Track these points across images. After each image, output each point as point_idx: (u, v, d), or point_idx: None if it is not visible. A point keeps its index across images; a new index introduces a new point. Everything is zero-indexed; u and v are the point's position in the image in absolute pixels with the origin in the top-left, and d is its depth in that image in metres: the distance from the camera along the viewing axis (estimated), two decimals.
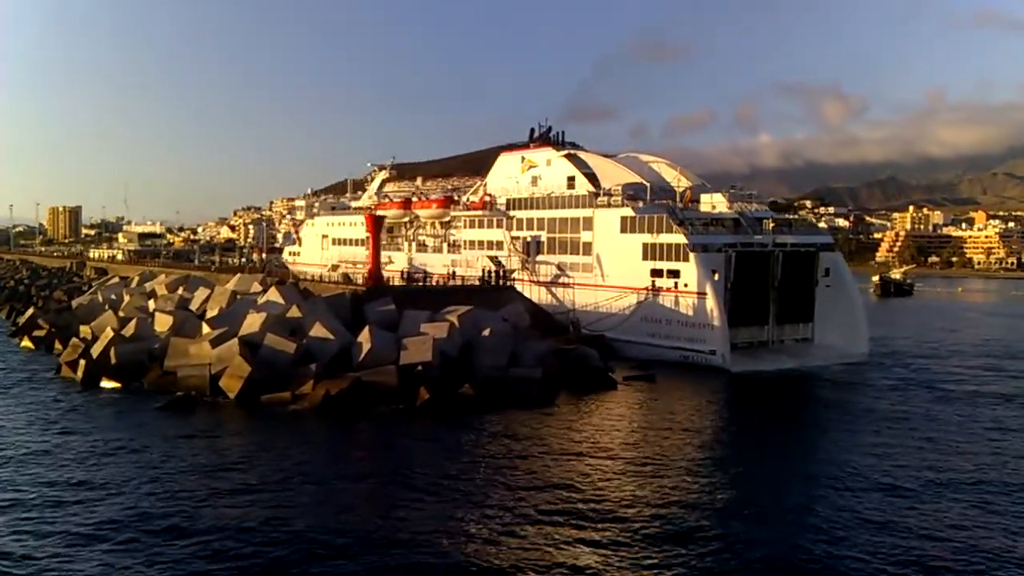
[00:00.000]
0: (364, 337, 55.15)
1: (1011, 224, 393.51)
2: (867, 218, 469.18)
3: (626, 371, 63.89)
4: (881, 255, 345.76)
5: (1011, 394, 59.12)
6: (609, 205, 76.31)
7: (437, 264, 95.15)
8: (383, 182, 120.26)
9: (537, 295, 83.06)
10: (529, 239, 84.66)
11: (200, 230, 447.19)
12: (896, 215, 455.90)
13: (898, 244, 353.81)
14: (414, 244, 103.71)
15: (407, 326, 58.58)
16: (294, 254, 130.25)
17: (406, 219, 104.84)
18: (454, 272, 79.75)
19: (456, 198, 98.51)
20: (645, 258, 71.87)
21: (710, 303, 66.68)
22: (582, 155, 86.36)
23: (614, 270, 75.29)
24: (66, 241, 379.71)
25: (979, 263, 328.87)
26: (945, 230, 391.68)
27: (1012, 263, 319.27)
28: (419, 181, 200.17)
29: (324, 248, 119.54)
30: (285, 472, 37.55)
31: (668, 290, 69.98)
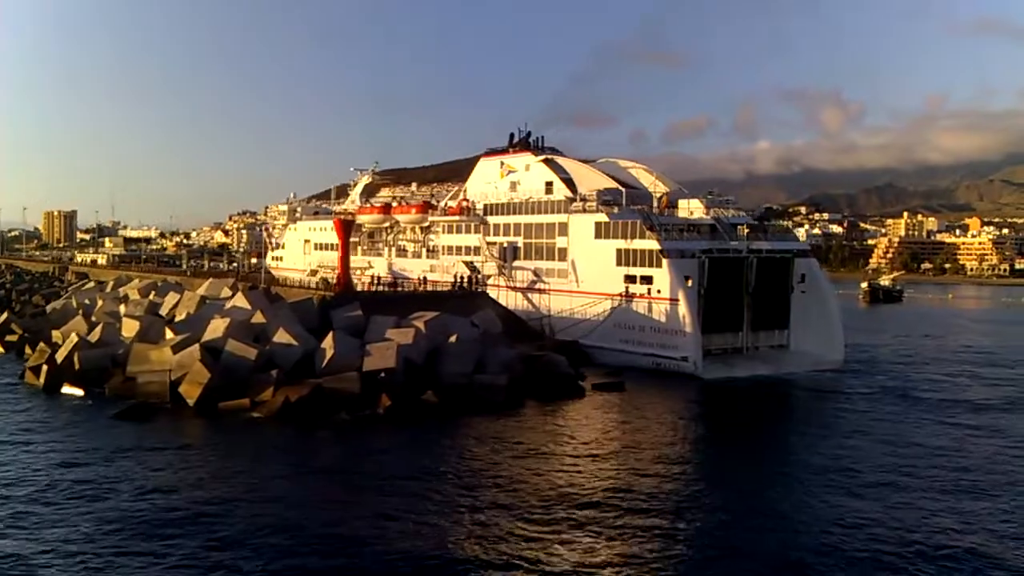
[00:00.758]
0: (327, 343, 54.61)
1: (1005, 231, 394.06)
2: (861, 224, 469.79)
3: (597, 378, 63.42)
4: (874, 261, 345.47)
5: (981, 402, 58.60)
6: (584, 211, 75.82)
7: (416, 269, 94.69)
8: (366, 187, 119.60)
9: (514, 301, 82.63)
10: (505, 245, 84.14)
11: (195, 235, 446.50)
12: (890, 221, 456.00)
13: (891, 250, 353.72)
14: (394, 249, 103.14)
15: (374, 332, 58.07)
16: (277, 259, 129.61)
17: (386, 224, 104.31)
18: (425, 278, 79.28)
19: (435, 203, 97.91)
20: (619, 264, 71.38)
21: (682, 309, 66.17)
22: (559, 160, 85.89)
23: (588, 276, 74.79)
24: (60, 245, 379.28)
25: (972, 270, 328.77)
26: (939, 236, 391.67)
27: (1005, 270, 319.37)
28: (414, 186, 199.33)
29: (306, 253, 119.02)
30: (227, 480, 37.01)
31: (641, 296, 69.47)
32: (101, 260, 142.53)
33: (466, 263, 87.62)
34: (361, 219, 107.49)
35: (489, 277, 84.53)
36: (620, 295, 71.16)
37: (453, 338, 58.40)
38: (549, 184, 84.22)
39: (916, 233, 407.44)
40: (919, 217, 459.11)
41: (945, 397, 60.20)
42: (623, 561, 28.47)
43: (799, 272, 73.16)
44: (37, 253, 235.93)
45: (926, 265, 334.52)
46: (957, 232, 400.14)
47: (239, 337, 55.39)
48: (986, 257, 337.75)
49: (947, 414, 54.08)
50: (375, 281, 74.65)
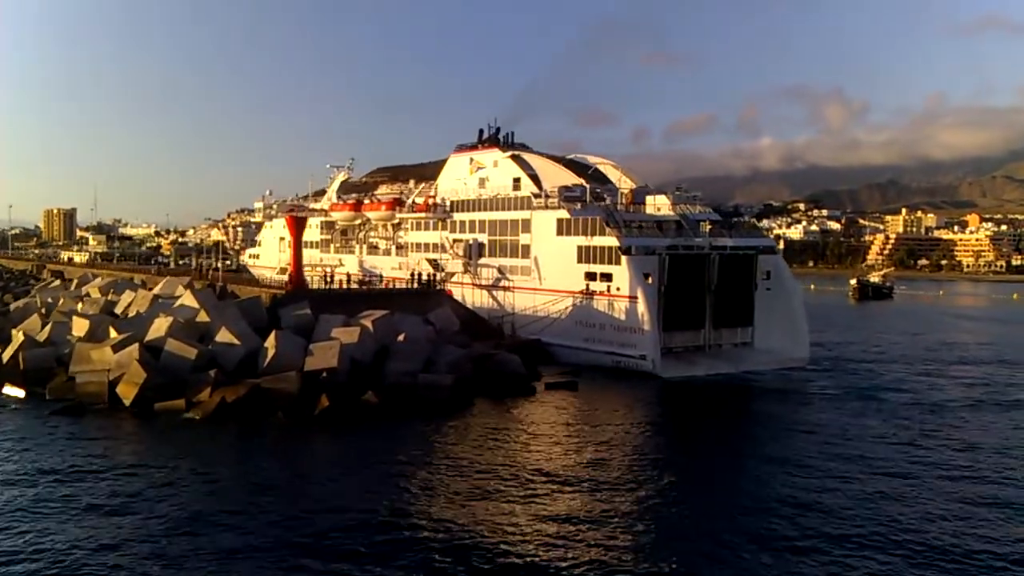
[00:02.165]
0: (270, 342, 53.60)
1: (1004, 227, 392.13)
2: (860, 221, 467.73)
3: (553, 377, 62.50)
4: (871, 258, 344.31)
5: (942, 402, 57.34)
6: (546, 207, 74.80)
7: (386, 266, 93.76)
8: (343, 183, 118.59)
9: (480, 299, 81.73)
10: (471, 242, 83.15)
11: (191, 232, 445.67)
12: (888, 218, 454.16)
13: (888, 247, 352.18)
14: (365, 247, 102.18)
15: (322, 331, 57.11)
16: (254, 256, 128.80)
17: (358, 221, 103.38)
18: (381, 275, 78.35)
19: (404, 200, 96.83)
20: (580, 261, 70.39)
21: (641, 307, 65.13)
22: (526, 156, 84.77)
23: (551, 273, 73.81)
24: (60, 243, 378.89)
25: (968, 266, 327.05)
26: (936, 233, 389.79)
27: (1001, 266, 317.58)
28: (412, 183, 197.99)
29: (281, 251, 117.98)
30: (120, 479, 36.41)
31: (601, 294, 68.46)
32: (78, 259, 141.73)
33: (429, 260, 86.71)
34: (334, 216, 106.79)
35: (453, 275, 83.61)
36: (581, 292, 70.19)
37: (401, 337, 57.53)
38: (517, 180, 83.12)
39: (914, 230, 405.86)
40: (918, 214, 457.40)
41: (905, 398, 58.92)
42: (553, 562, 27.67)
43: (764, 269, 72.03)
44: (37, 251, 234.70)
45: (923, 262, 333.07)
46: (955, 228, 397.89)
47: (181, 336, 54.48)
48: (983, 253, 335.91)
49: (902, 415, 52.83)
50: (324, 279, 73.49)
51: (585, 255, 69.90)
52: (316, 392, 50.42)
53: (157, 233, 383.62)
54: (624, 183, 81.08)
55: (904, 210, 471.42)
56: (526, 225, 76.94)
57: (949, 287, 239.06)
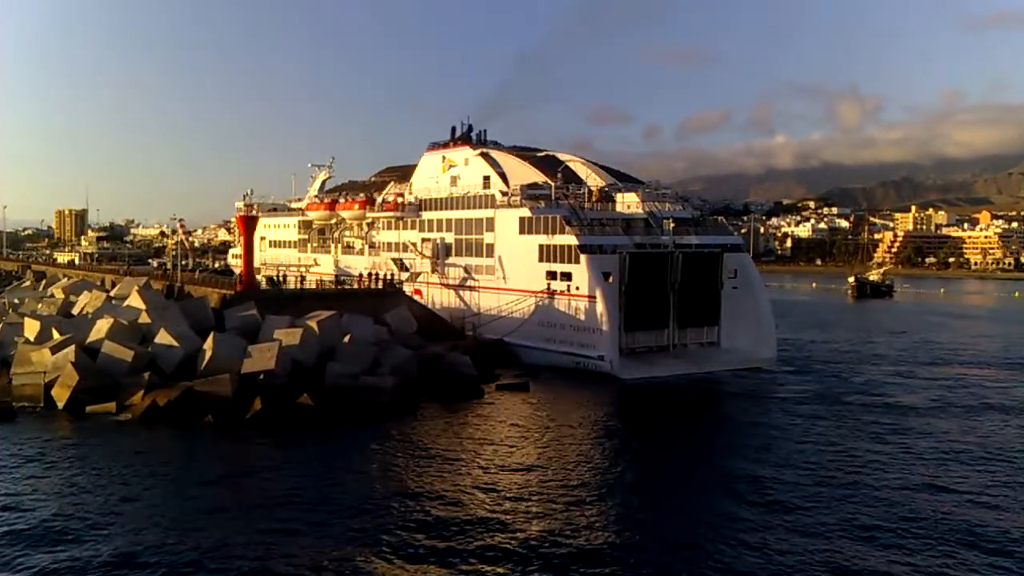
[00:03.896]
0: (208, 344, 52.72)
1: (1015, 224, 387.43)
2: (871, 218, 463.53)
3: (508, 379, 61.39)
4: (879, 256, 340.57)
5: (906, 405, 55.37)
6: (509, 205, 73.61)
7: (359, 266, 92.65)
8: (323, 183, 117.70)
9: (448, 299, 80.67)
10: (438, 241, 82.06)
11: (200, 232, 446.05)
12: (898, 215, 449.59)
13: (896, 245, 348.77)
14: (340, 246, 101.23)
15: (267, 332, 56.20)
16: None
17: (333, 220, 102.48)
18: (360, 275, 77.26)
19: (375, 198, 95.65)
20: (541, 260, 69.20)
21: (600, 307, 63.88)
22: (494, 154, 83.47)
23: (514, 273, 72.63)
24: (72, 243, 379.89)
25: (976, 264, 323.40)
26: (945, 230, 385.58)
27: (1010, 264, 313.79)
28: None
29: (262, 250, 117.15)
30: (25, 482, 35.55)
31: (562, 293, 67.26)
32: (63, 259, 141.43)
33: (394, 260, 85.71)
34: (310, 215, 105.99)
35: (419, 275, 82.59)
36: (543, 292, 68.99)
37: (347, 338, 56.51)
38: (487, 178, 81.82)
39: (924, 227, 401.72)
40: (929, 211, 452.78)
41: (869, 400, 57.06)
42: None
43: (731, 268, 70.64)
44: (48, 252, 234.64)
45: (930, 259, 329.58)
46: (964, 226, 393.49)
47: (120, 338, 53.76)
48: (991, 251, 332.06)
49: (862, 418, 51.09)
50: (270, 281, 72.73)
51: (546, 254, 68.74)
52: (252, 395, 49.46)
53: (162, 234, 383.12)
54: (593, 180, 79.70)
55: (914, 207, 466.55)
56: (490, 224, 75.82)
57: (954, 285, 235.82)
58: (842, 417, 51.43)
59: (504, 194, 75.88)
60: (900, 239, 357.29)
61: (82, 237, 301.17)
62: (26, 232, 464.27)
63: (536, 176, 77.66)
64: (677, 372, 64.86)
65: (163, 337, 53.63)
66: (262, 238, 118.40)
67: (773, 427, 49.05)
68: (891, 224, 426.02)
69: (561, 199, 72.16)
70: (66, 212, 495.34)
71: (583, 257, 65.14)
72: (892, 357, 77.76)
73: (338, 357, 54.74)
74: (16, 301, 78.09)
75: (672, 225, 69.98)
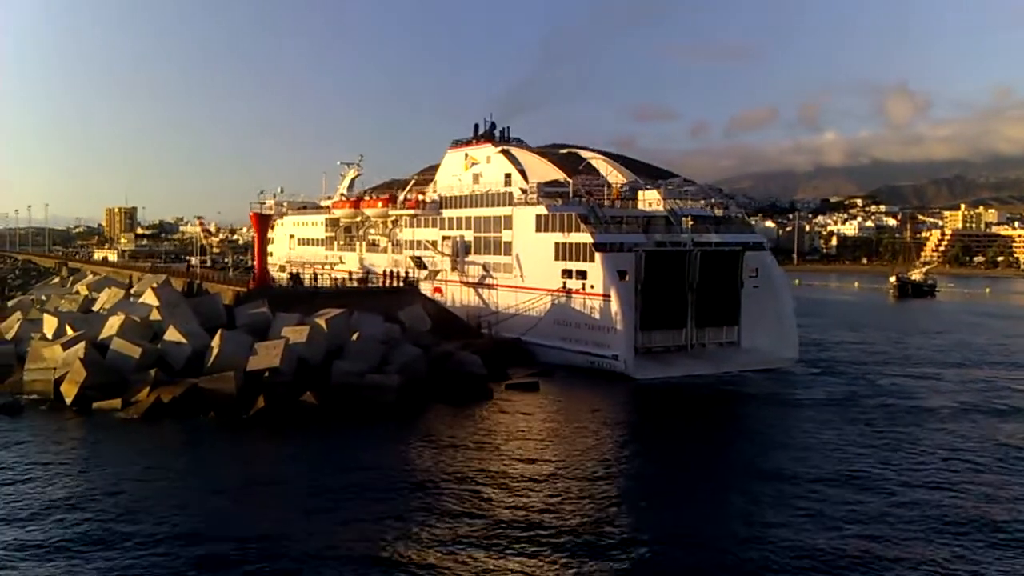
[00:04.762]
0: (215, 341, 52.82)
1: None
2: (920, 216, 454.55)
3: (520, 378, 60.70)
4: (926, 254, 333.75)
5: (926, 409, 53.37)
6: (526, 203, 72.94)
7: (383, 264, 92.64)
8: (352, 180, 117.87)
9: (467, 297, 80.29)
10: (458, 239, 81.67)
11: (245, 230, 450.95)
12: (948, 213, 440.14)
13: (943, 243, 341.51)
14: (364, 244, 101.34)
15: (276, 330, 56.17)
16: (268, 254, 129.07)
17: (358, 218, 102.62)
18: (385, 272, 77.12)
19: (397, 196, 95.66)
20: (557, 258, 68.43)
21: (614, 305, 62.94)
22: (515, 151, 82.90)
23: (531, 271, 71.96)
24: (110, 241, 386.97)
25: None
26: (995, 228, 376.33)
27: None
28: None
29: (291, 248, 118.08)
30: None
31: (577, 292, 66.45)
32: (101, 256, 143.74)
33: (413, 258, 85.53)
34: (336, 213, 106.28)
35: (437, 273, 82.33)
36: (559, 291, 68.24)
37: (355, 336, 56.27)
38: (508, 176, 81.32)
39: (974, 225, 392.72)
40: (979, 209, 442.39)
41: (888, 402, 55.28)
42: None
43: (751, 266, 69.27)
44: (87, 249, 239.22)
45: (978, 258, 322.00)
46: (1016, 224, 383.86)
47: (130, 335, 54.05)
48: None
49: (878, 422, 49.36)
50: (291, 277, 72.79)
51: (562, 252, 67.97)
52: (256, 392, 49.43)
53: (207, 232, 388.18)
54: (615, 178, 78.73)
55: (963, 205, 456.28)
56: (508, 222, 75.22)
57: (1001, 284, 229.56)
58: (861, 420, 49.81)
59: (523, 191, 75.25)
60: (948, 237, 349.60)
61: (122, 235, 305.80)
62: (78, 229, 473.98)
63: (556, 173, 77.02)
64: (694, 372, 63.65)
65: (172, 334, 53.86)
66: (291, 236, 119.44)
67: (781, 427, 48.04)
68: (940, 222, 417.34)
69: (579, 197, 71.17)
70: (115, 210, 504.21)
71: (598, 255, 64.26)
72: (923, 358, 75.59)
73: (346, 355, 54.51)
74: (44, 298, 79.33)
75: (691, 223, 68.73)
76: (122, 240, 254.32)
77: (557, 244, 68.29)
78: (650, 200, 74.87)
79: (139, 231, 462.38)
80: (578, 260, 66.27)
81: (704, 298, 67.66)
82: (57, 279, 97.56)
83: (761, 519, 32.02)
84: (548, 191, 72.38)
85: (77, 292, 77.80)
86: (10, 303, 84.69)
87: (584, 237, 65.52)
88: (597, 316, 64.43)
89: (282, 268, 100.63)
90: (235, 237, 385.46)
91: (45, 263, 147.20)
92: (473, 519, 31.81)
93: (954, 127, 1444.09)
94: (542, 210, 70.36)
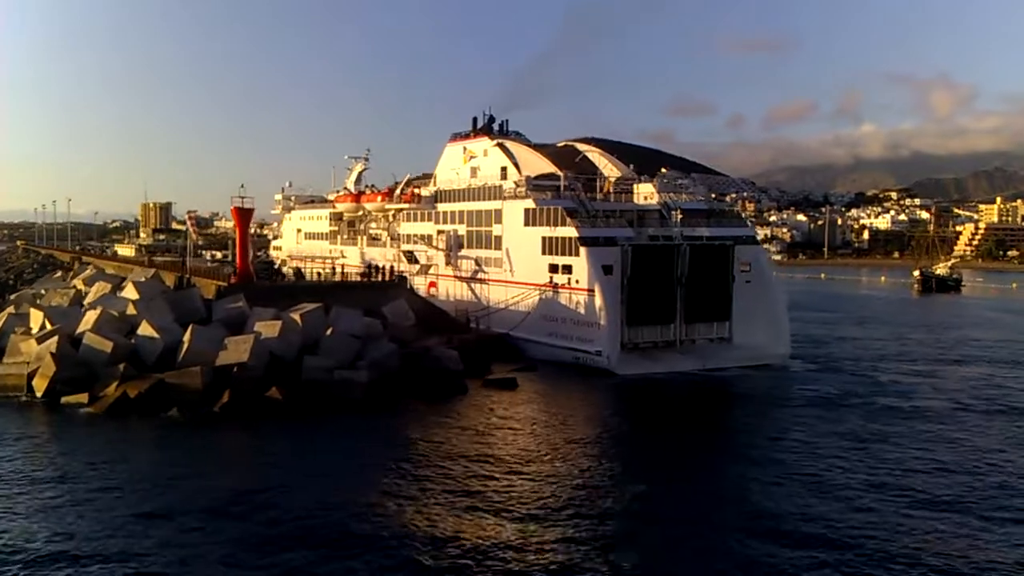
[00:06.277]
0: (186, 336, 52.63)
1: None
2: (955, 210, 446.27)
3: (501, 374, 59.91)
4: (959, 248, 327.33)
5: (916, 409, 51.44)
6: (515, 196, 72.07)
7: (383, 258, 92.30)
8: (359, 174, 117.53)
9: (460, 291, 79.64)
10: (452, 233, 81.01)
11: (275, 224, 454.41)
12: (983, 207, 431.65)
13: (977, 237, 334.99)
14: (366, 238, 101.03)
15: (252, 325, 55.87)
16: (277, 248, 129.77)
17: (359, 213, 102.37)
18: (340, 267, 76.92)
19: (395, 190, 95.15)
20: (544, 252, 67.55)
21: (598, 300, 61.96)
22: (509, 145, 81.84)
23: (519, 265, 71.13)
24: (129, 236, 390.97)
25: None
26: None
27: None
28: None
29: (298, 242, 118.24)
30: None
31: (563, 286, 65.55)
32: (122, 251, 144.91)
33: (404, 252, 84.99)
34: (339, 207, 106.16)
35: (430, 267, 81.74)
36: (546, 285, 67.37)
37: (329, 331, 55.80)
38: (504, 169, 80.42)
39: (1009, 219, 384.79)
40: (1016, 202, 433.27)
41: (878, 401, 53.43)
42: None
43: (743, 260, 67.86)
44: (103, 244, 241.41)
45: (1012, 253, 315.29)
46: None
47: (108, 329, 54.06)
48: None
49: (861, 421, 47.73)
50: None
51: (548, 246, 67.09)
52: (224, 387, 49.15)
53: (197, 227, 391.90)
54: (610, 171, 77.61)
55: (999, 199, 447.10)
56: (498, 215, 74.42)
57: None
58: (848, 419, 48.28)
59: (517, 184, 74.40)
60: (982, 231, 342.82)
61: (140, 229, 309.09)
62: (114, 224, 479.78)
63: (549, 167, 75.98)
64: (680, 368, 62.42)
65: (145, 329, 53.68)
66: (298, 230, 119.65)
67: (757, 425, 46.87)
68: (975, 216, 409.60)
69: (572, 190, 70.10)
70: (150, 205, 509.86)
71: (583, 250, 63.30)
72: (924, 355, 73.55)
73: (320, 351, 54.12)
74: (43, 291, 79.81)
75: (680, 216, 67.48)
76: (141, 235, 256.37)
77: (544, 238, 67.43)
78: (645, 193, 73.72)
79: (174, 225, 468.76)
80: (564, 255, 65.36)
81: (694, 293, 66.34)
82: (60, 273, 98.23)
83: (721, 526, 30.96)
84: (538, 184, 71.50)
85: (73, 286, 78.23)
86: (12, 296, 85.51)
87: (569, 231, 64.58)
88: (582, 311, 63.49)
89: (284, 262, 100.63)
90: (264, 232, 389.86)
91: (63, 257, 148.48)
92: (403, 522, 31.13)
93: (998, 119, 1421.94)
94: (530, 204, 69.50)
